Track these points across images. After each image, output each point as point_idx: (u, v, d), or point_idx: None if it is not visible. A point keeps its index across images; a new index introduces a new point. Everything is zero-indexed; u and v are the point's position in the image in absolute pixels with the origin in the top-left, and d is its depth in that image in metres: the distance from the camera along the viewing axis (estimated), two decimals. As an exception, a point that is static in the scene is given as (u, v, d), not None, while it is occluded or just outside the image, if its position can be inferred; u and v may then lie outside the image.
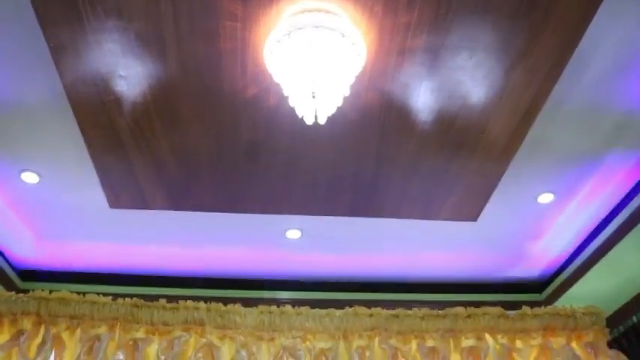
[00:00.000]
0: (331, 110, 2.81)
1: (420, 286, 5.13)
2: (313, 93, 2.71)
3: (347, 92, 2.87)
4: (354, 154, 3.71)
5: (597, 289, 4.82)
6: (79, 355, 3.55)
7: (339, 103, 2.84)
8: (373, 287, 5.08)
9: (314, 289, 4.98)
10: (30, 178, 4.04)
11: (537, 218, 4.51)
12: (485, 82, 3.23)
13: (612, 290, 4.89)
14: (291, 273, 5.02)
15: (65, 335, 3.64)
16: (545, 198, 4.31)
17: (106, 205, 4.21)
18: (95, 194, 4.12)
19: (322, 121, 2.79)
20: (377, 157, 3.73)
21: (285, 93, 2.85)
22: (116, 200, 4.14)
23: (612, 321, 4.50)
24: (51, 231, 4.60)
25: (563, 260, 4.99)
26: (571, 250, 4.85)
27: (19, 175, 4.00)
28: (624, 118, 3.59)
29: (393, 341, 3.67)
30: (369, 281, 5.10)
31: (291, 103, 2.82)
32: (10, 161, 3.89)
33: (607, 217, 4.49)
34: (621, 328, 5.20)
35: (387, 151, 3.68)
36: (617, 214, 4.39)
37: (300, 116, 2.81)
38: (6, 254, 4.82)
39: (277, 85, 2.89)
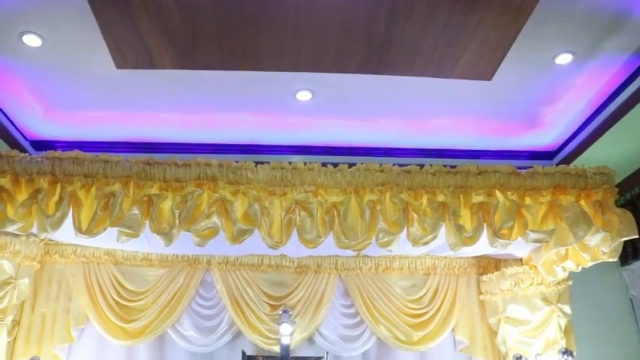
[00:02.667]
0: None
1: (432, 152, 5.11)
2: None
3: None
4: (366, 5, 3.52)
5: (609, 156, 4.79)
6: (95, 211, 3.67)
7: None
8: (385, 152, 5.07)
9: (325, 154, 4.97)
10: (32, 41, 3.92)
11: (554, 80, 4.37)
12: None
13: (622, 158, 4.88)
14: (302, 137, 4.99)
15: (81, 193, 3.74)
16: (564, 59, 4.16)
17: (113, 66, 4.11)
18: (101, 56, 4.01)
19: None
20: (390, 9, 3.54)
21: None
22: (122, 60, 4.02)
23: (620, 188, 4.51)
24: (58, 98, 4.54)
25: (577, 126, 4.91)
26: (586, 114, 4.76)
27: (21, 38, 3.88)
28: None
29: (404, 196, 3.73)
30: (381, 146, 5.07)
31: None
32: (9, 23, 3.75)
33: (626, 80, 4.35)
34: (628, 196, 5.24)
35: (400, 2, 3.49)
36: (636, 76, 4.25)
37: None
38: (17, 124, 4.82)
39: None
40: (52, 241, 4.65)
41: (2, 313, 4.15)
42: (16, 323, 4.46)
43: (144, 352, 4.63)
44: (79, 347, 4.61)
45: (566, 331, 4.59)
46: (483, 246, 4.23)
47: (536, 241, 3.80)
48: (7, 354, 4.26)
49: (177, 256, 4.71)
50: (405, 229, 3.65)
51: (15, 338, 4.43)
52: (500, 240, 3.72)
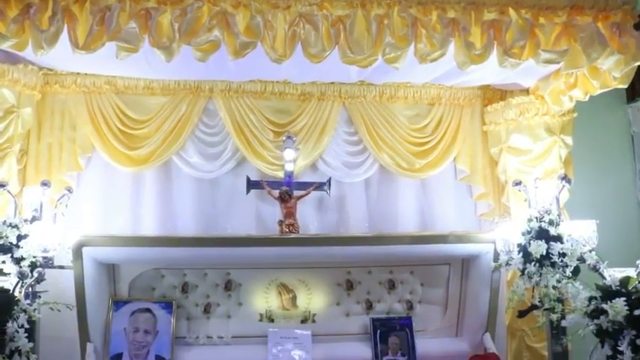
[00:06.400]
0: None
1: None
2: None
3: None
4: None
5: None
6: (91, 26, 3.53)
7: None
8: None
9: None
10: None
11: None
12: None
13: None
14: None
15: (75, 8, 3.58)
16: None
17: None
18: None
19: None
20: None
21: None
22: None
23: None
24: None
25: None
26: None
27: None
28: None
29: (413, 11, 3.57)
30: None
31: None
32: None
33: None
34: (645, 25, 5.04)
35: None
36: None
37: None
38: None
39: None
40: (51, 70, 4.56)
41: (9, 141, 4.20)
42: (24, 152, 4.52)
43: (150, 178, 4.71)
44: (88, 174, 4.69)
45: (566, 162, 4.67)
46: (491, 72, 4.15)
47: (547, 61, 3.70)
48: (18, 180, 4.37)
49: (179, 84, 4.62)
50: (413, 45, 3.53)
51: (25, 167, 4.52)
52: (510, 59, 3.62)
